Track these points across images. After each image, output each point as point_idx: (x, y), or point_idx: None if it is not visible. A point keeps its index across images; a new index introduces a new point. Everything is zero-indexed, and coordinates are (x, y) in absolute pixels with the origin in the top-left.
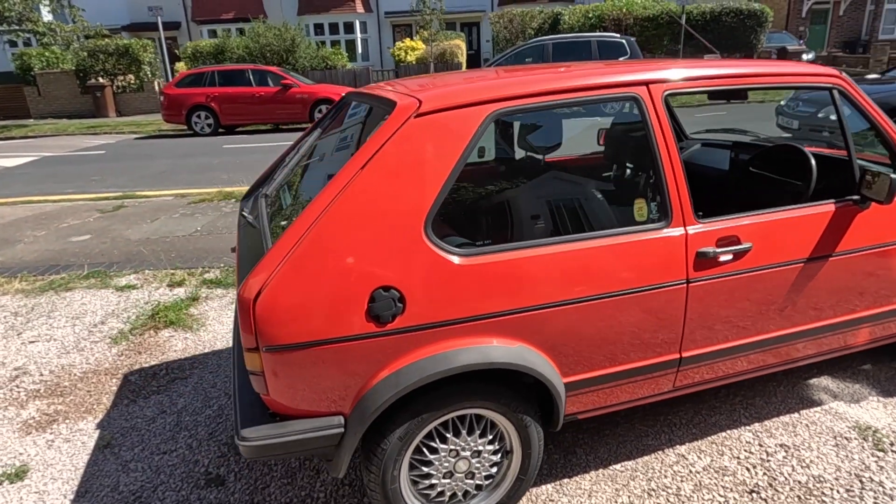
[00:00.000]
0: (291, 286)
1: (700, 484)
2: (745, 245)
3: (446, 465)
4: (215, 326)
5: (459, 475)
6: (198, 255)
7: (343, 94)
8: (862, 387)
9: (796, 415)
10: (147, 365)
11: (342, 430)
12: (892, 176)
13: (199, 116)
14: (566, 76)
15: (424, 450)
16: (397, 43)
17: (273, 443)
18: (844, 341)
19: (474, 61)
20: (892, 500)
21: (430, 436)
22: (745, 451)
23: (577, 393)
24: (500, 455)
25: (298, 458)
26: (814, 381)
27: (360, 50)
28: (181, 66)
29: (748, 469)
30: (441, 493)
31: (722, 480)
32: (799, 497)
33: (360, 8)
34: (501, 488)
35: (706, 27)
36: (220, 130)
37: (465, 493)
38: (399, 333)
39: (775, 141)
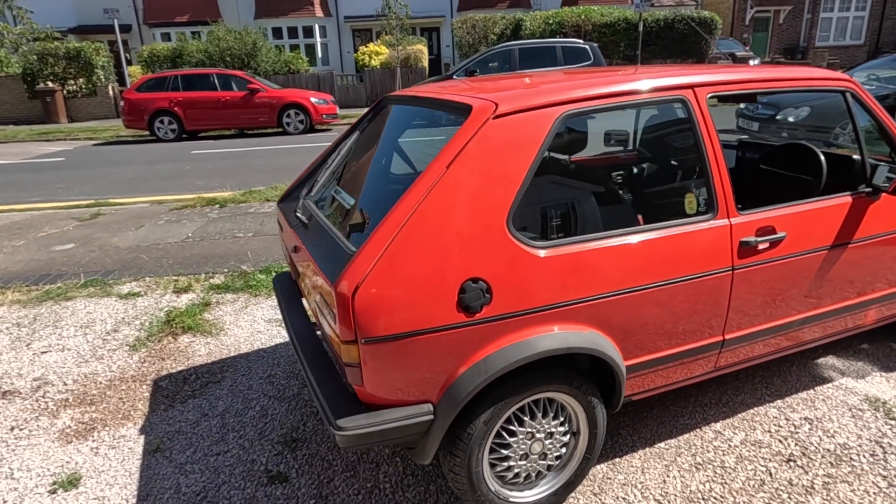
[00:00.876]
0: (388, 280)
1: (741, 456)
2: (780, 234)
3: (523, 447)
4: (235, 331)
5: (534, 456)
6: (196, 261)
7: (381, 98)
8: (864, 364)
9: (812, 391)
10: (175, 370)
11: (432, 417)
12: None
13: (162, 122)
14: (623, 79)
15: (504, 433)
16: (361, 47)
17: (369, 431)
18: (857, 321)
19: (435, 66)
20: None
21: (508, 420)
22: (774, 425)
23: (635, 375)
24: (568, 436)
25: (359, 451)
26: (821, 360)
27: (319, 54)
28: (136, 70)
29: (780, 441)
30: (516, 475)
31: (760, 452)
32: (831, 463)
33: (319, 12)
34: (569, 468)
35: (661, 34)
36: (184, 136)
37: (538, 474)
38: (486, 322)
39: (768, 141)
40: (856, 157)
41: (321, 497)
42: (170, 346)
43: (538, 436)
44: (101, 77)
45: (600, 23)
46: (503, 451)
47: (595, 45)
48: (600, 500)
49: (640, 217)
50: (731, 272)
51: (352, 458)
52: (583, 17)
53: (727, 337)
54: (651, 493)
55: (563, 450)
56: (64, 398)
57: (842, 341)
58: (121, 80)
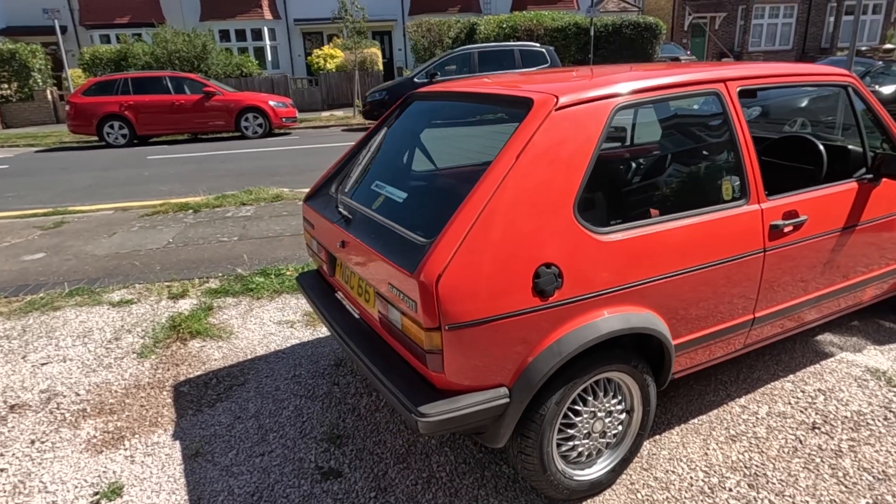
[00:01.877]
0: (468, 268)
1: (770, 427)
2: (802, 217)
3: (586, 426)
4: (245, 334)
5: (595, 434)
6: (185, 266)
7: (407, 95)
8: (859, 339)
9: (818, 365)
10: (192, 375)
11: (508, 400)
12: None
13: (111, 127)
14: (665, 74)
15: (570, 413)
16: (315, 50)
17: (451, 417)
18: (859, 298)
19: (388, 69)
20: None
21: (573, 400)
22: (793, 397)
23: (680, 353)
24: (624, 414)
25: (406, 444)
26: (820, 337)
27: (269, 57)
28: (77, 74)
29: (801, 411)
30: (579, 454)
31: (786, 422)
32: (851, 428)
33: (268, 14)
34: (623, 444)
35: (609, 38)
36: (135, 141)
37: (597, 452)
38: (558, 306)
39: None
40: (851, 147)
41: (380, 489)
42: (181, 352)
43: (599, 415)
44: (39, 81)
45: (552, 27)
46: (569, 430)
47: (552, 48)
48: (651, 474)
49: (690, 203)
50: (763, 254)
51: (401, 450)
52: (535, 21)
53: (757, 315)
54: (697, 465)
55: (620, 427)
56: (80, 409)
57: (835, 319)
58: (58, 84)
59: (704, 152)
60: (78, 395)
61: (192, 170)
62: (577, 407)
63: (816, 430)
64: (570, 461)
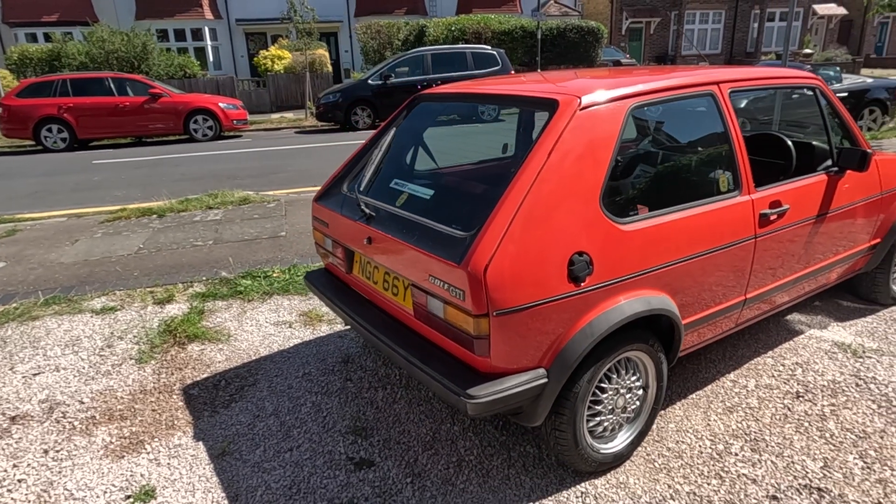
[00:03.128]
0: (512, 257)
1: (761, 398)
2: (785, 207)
3: (611, 402)
4: (245, 336)
5: (618, 410)
6: (164, 271)
7: (414, 97)
8: (823, 317)
9: (792, 342)
10: (199, 378)
11: (546, 380)
12: (870, 151)
13: (49, 130)
14: (667, 76)
15: (597, 391)
16: (262, 51)
17: (497, 398)
18: (828, 279)
19: (335, 70)
20: (886, 386)
21: (600, 378)
22: (775, 371)
23: (688, 333)
24: (641, 390)
25: (432, 431)
26: (789, 317)
27: (211, 58)
28: (3, 75)
29: (785, 383)
30: (604, 429)
31: (773, 393)
32: (830, 394)
33: (208, 14)
34: (640, 418)
35: (554, 42)
36: (75, 145)
37: (619, 426)
38: (590, 291)
39: None
40: (815, 143)
41: (415, 475)
42: (181, 356)
43: (621, 391)
44: None
45: (499, 30)
46: (596, 406)
47: (502, 51)
48: (664, 445)
49: (688, 195)
50: (754, 240)
51: (426, 438)
52: (482, 24)
53: (748, 296)
54: (703, 434)
55: (637, 403)
56: (88, 416)
57: (804, 300)
58: None
59: (704, 148)
60: (82, 403)
61: (146, 174)
62: (602, 385)
63: (801, 399)
64: (596, 436)
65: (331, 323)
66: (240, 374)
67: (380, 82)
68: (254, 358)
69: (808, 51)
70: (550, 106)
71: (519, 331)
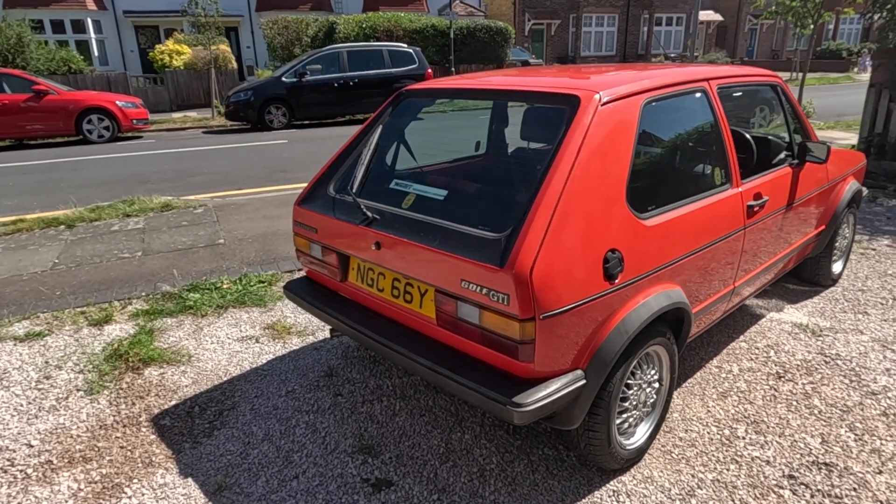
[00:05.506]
0: (555, 257)
1: (748, 381)
2: (765, 198)
3: (636, 397)
4: (207, 355)
5: (640, 404)
6: (92, 288)
7: (398, 93)
8: (776, 301)
9: (757, 325)
10: (167, 406)
11: (584, 381)
12: (828, 145)
13: None
14: (667, 72)
15: (623, 388)
16: (158, 46)
17: (544, 404)
18: (788, 265)
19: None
20: (850, 361)
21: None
22: (752, 354)
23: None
24: (656, 383)
25: (445, 441)
26: (748, 302)
27: (96, 52)
28: None
29: (764, 365)
30: (629, 425)
31: (756, 375)
32: (806, 372)
33: (90, 4)
34: (656, 411)
35: (465, 41)
36: None
37: (640, 420)
38: (622, 288)
39: None
40: (770, 137)
41: (441, 491)
42: (139, 383)
43: (643, 386)
44: None
45: (410, 28)
46: (623, 403)
47: (419, 49)
48: (675, 435)
49: (693, 189)
50: (744, 231)
51: (440, 449)
52: (393, 22)
53: (736, 284)
54: (707, 421)
55: (654, 396)
56: (43, 461)
57: None
58: None
59: (703, 142)
60: (31, 446)
61: (39, 180)
62: (629, 381)
63: (782, 379)
64: (621, 432)
65: (301, 335)
66: (214, 398)
67: (295, 80)
68: (225, 379)
69: (694, 53)
70: (570, 102)
71: (561, 333)
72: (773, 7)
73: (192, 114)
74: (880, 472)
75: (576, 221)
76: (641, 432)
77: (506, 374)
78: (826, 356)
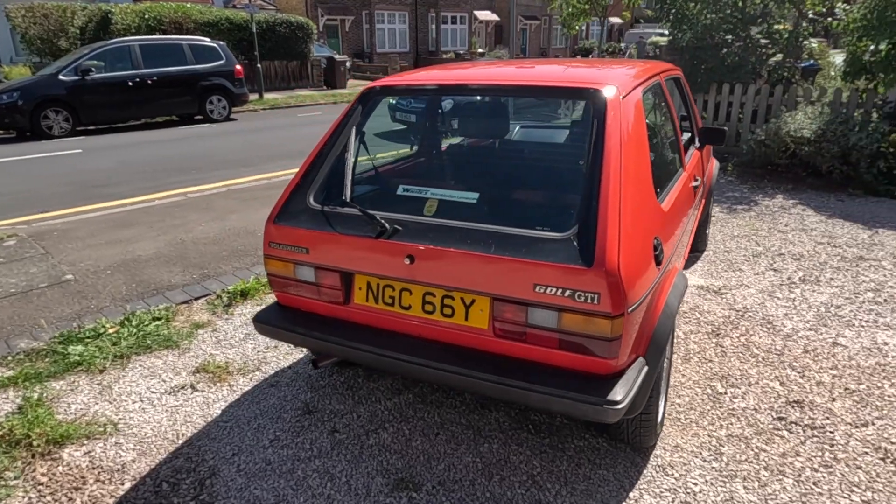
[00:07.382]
0: (631, 250)
1: (696, 342)
2: (698, 179)
3: (665, 373)
4: (138, 418)
5: (663, 384)
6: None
7: (370, 88)
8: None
9: None
10: (123, 492)
11: (647, 367)
12: (725, 128)
13: None
14: (642, 69)
15: None
16: None
17: (633, 396)
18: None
19: None
20: (756, 311)
21: None
22: (684, 318)
23: None
24: (665, 362)
25: (475, 455)
26: None
27: None
28: None
29: (698, 325)
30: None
31: (700, 336)
32: (733, 327)
33: None
34: (665, 383)
35: (265, 36)
36: None
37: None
38: (662, 273)
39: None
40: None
41: (460, 494)
42: (61, 471)
43: (665, 364)
44: None
45: (202, 21)
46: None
47: (224, 44)
48: (671, 402)
49: (672, 172)
50: (698, 209)
51: (477, 466)
52: (181, 13)
53: (684, 257)
54: (689, 384)
55: (667, 367)
56: None
57: None
58: None
59: (666, 129)
60: None
61: None
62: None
63: (720, 336)
64: None
65: (245, 373)
66: (181, 468)
67: (76, 78)
68: (180, 442)
69: (480, 50)
70: (595, 96)
71: (636, 324)
72: (568, 9)
73: None
74: (834, 400)
75: (634, 213)
76: (660, 406)
77: (582, 374)
78: (737, 310)
